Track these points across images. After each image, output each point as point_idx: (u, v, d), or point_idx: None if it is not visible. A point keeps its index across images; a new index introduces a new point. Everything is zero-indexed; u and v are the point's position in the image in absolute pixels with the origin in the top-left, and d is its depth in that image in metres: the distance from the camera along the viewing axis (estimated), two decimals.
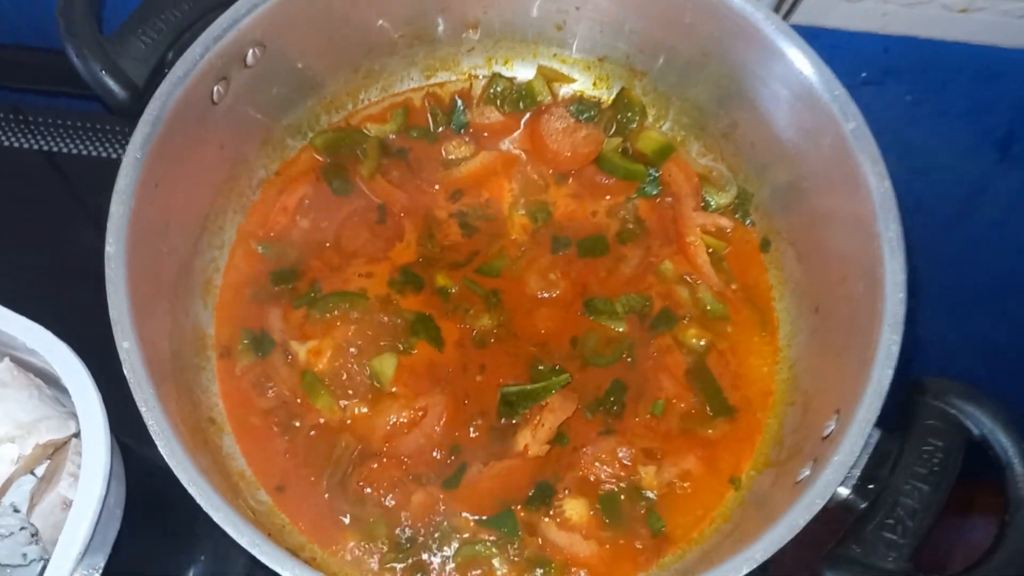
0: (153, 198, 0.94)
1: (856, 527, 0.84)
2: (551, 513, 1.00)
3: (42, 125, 1.47)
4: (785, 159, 1.09)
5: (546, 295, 1.12)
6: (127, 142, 1.43)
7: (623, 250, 1.16)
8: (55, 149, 1.45)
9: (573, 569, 0.99)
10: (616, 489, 1.02)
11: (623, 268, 1.15)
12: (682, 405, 1.06)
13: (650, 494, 1.02)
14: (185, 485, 0.78)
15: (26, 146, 1.45)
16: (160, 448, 0.80)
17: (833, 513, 0.85)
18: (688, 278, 1.14)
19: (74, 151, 1.45)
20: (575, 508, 1.00)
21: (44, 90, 1.55)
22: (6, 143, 1.45)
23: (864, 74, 1.36)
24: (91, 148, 1.46)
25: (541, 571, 0.98)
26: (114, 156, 1.45)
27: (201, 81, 0.97)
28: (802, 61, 0.99)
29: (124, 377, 0.90)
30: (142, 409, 0.81)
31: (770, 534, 0.79)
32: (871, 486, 0.85)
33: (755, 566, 0.78)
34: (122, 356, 0.83)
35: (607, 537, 1.00)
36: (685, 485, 1.03)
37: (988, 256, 1.72)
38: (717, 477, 1.04)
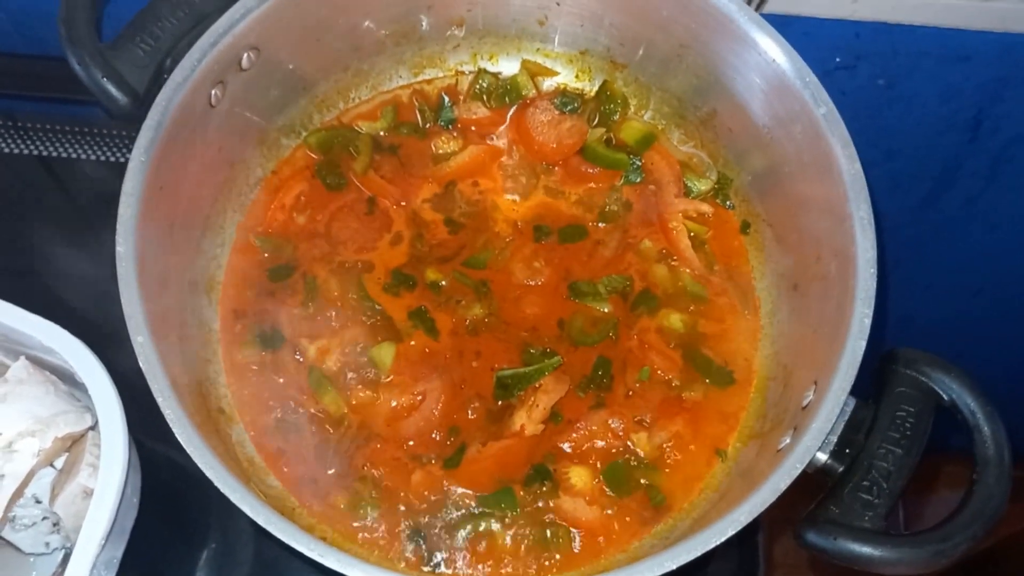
0: (158, 199, 0.96)
1: (834, 490, 0.86)
2: (551, 485, 1.02)
3: (36, 131, 1.48)
4: (762, 145, 1.11)
5: (532, 282, 1.15)
6: (119, 146, 1.48)
7: (602, 233, 1.18)
8: (49, 154, 1.47)
9: (574, 531, 1.01)
10: (618, 462, 1.04)
11: (603, 251, 1.17)
12: (668, 377, 1.08)
13: (646, 462, 1.04)
14: (203, 469, 0.80)
15: (22, 151, 1.47)
16: (177, 435, 0.82)
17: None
18: (668, 258, 1.17)
19: (67, 155, 1.47)
20: (580, 475, 1.03)
21: (37, 96, 1.55)
22: (2, 149, 1.47)
23: (837, 59, 1.36)
24: (84, 152, 1.47)
25: (548, 540, 1.00)
26: (107, 159, 1.46)
27: (200, 85, 0.99)
28: (774, 50, 1.01)
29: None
30: (159, 399, 0.83)
31: (754, 498, 0.82)
32: (848, 451, 0.87)
33: (740, 528, 0.80)
34: (137, 350, 0.85)
35: (608, 502, 1.03)
36: (676, 452, 1.05)
37: (962, 234, 1.74)
38: (705, 447, 1.06)
